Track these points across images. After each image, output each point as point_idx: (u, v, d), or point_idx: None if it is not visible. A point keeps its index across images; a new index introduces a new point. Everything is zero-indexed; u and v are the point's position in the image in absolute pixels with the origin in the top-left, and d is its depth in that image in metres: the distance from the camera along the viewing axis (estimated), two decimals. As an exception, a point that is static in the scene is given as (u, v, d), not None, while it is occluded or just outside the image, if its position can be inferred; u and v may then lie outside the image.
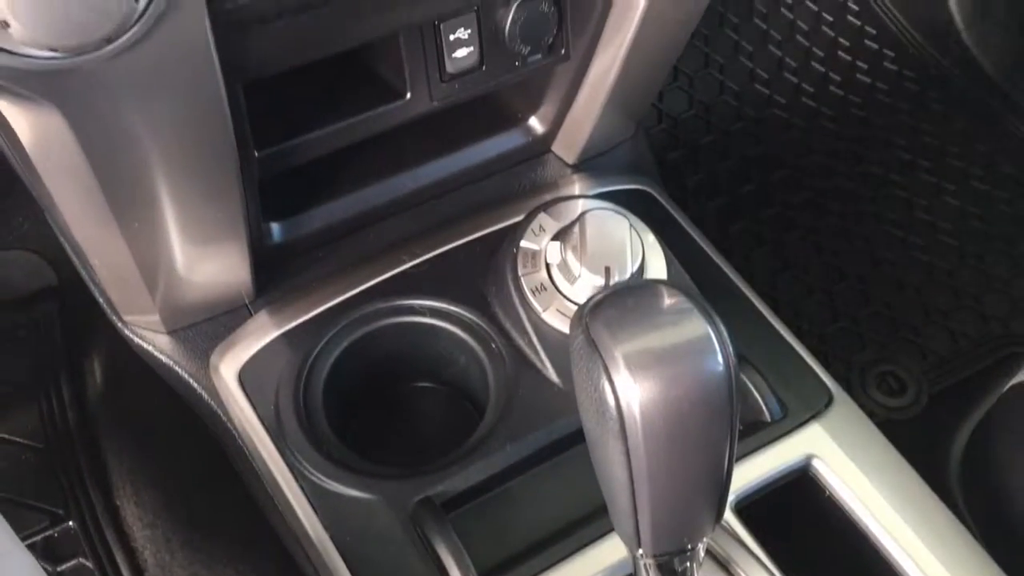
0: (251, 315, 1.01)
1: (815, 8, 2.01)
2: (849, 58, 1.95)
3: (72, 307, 1.53)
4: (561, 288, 0.94)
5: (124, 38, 0.58)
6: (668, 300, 0.62)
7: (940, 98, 1.90)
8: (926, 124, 1.86)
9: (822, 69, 1.94)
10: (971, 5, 1.94)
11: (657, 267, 0.98)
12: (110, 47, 0.57)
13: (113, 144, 0.71)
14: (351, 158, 1.02)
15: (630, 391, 0.58)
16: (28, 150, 0.71)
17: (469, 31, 0.92)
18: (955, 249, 1.65)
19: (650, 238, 1.00)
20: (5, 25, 0.52)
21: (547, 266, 0.96)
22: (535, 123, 1.14)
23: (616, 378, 0.58)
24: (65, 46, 0.55)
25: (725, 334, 0.61)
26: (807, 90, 1.92)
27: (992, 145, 1.81)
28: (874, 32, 1.98)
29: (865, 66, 1.95)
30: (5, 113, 0.67)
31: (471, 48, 0.94)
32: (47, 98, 0.64)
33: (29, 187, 0.98)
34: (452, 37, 0.92)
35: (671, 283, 0.64)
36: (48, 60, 0.58)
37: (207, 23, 0.66)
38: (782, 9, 2.00)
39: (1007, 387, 1.07)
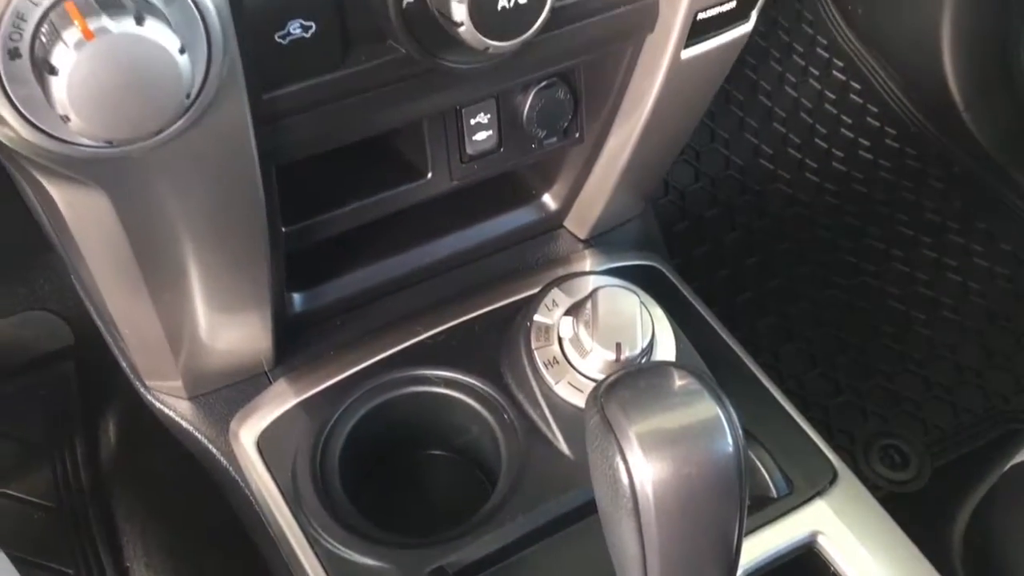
0: (270, 382, 1.04)
1: (818, 87, 2.07)
2: (851, 135, 2.01)
3: (88, 366, 1.55)
4: (573, 362, 0.97)
5: (172, 129, 0.62)
6: (679, 382, 0.65)
7: (941, 176, 1.95)
8: (927, 201, 1.90)
9: (825, 145, 1.99)
10: (970, 86, 2.00)
11: (666, 342, 1.01)
12: (159, 137, 0.61)
13: (152, 222, 0.75)
14: (370, 230, 1.06)
15: (643, 470, 0.60)
16: (71, 226, 0.75)
17: (489, 115, 0.97)
18: (957, 324, 1.68)
19: (659, 313, 1.03)
20: (66, 119, 0.56)
21: (560, 340, 0.98)
22: (549, 200, 1.18)
23: (630, 457, 0.61)
24: (118, 139, 0.59)
25: (734, 415, 0.64)
26: (810, 165, 1.97)
27: (992, 223, 1.85)
28: (876, 110, 2.04)
29: (867, 143, 2.01)
30: (52, 193, 0.71)
31: (490, 132, 0.98)
32: (95, 181, 0.68)
33: (62, 255, 1.02)
34: (473, 121, 0.96)
35: (681, 365, 0.67)
36: (100, 149, 0.62)
37: (248, 113, 0.70)
38: (786, 87, 2.06)
39: (1008, 466, 1.10)
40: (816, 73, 2.07)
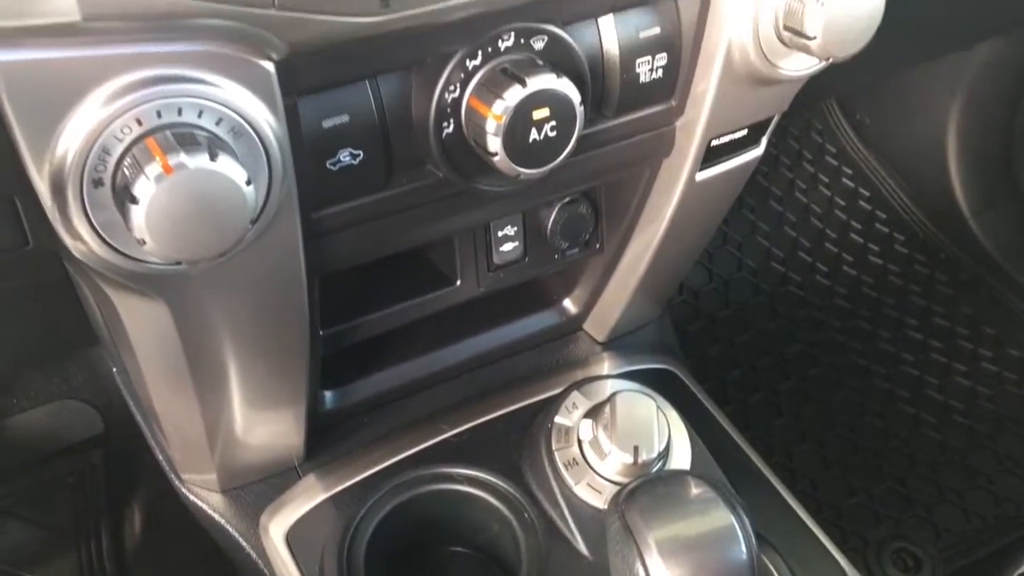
0: (300, 477, 1.08)
1: (828, 193, 2.14)
2: (861, 240, 2.07)
3: (117, 456, 1.59)
4: (592, 464, 1.01)
5: (234, 250, 0.68)
6: (695, 491, 0.69)
7: (949, 281, 2.00)
8: (937, 306, 1.95)
9: (835, 250, 2.05)
10: (976, 194, 2.07)
11: (682, 446, 1.05)
12: (222, 258, 0.67)
13: (206, 329, 0.81)
14: (398, 331, 1.11)
15: (662, 575, 0.64)
16: (129, 332, 0.81)
17: (515, 228, 1.03)
18: (966, 428, 1.71)
19: (675, 416, 1.07)
20: (142, 243, 0.62)
21: (579, 442, 1.03)
22: (569, 304, 1.23)
23: (649, 562, 0.65)
24: (187, 260, 0.65)
25: (747, 522, 0.68)
26: (821, 269, 2.03)
27: (1000, 328, 1.89)
28: (884, 216, 2.11)
29: (876, 248, 2.07)
30: (115, 301, 0.77)
31: (516, 243, 1.04)
32: (157, 294, 0.74)
33: (108, 351, 1.08)
34: (500, 233, 1.03)
35: (698, 474, 0.71)
36: (168, 267, 0.68)
37: (299, 231, 0.77)
38: (796, 193, 2.14)
39: (1017, 574, 1.12)
40: (826, 180, 2.14)
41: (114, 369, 1.23)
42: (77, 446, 1.61)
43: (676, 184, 1.00)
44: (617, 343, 1.27)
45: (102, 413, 1.63)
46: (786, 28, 0.83)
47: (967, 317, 1.91)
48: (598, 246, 1.11)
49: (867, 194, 2.14)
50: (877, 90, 2.07)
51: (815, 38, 0.80)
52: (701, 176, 1.00)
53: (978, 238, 2.05)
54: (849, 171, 2.17)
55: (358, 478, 1.07)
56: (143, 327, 0.80)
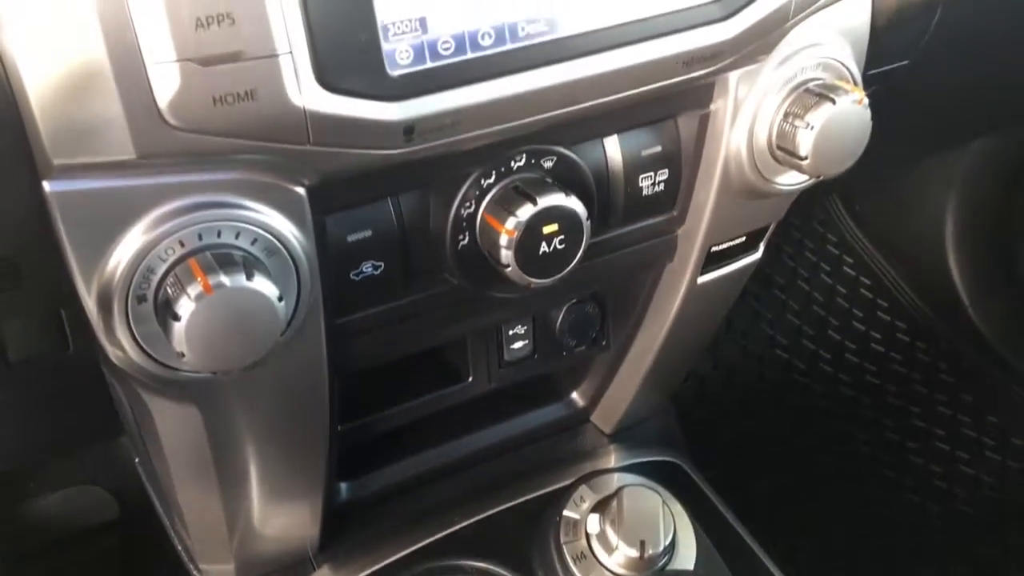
0: (315, 568, 1.11)
1: (829, 281, 2.19)
2: (863, 328, 2.11)
3: (131, 542, 1.62)
4: (600, 557, 1.04)
5: (264, 360, 0.73)
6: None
7: (950, 370, 2.03)
8: (939, 394, 1.98)
9: (838, 337, 2.09)
10: (975, 283, 2.11)
11: (687, 540, 1.08)
12: (253, 367, 0.72)
13: (233, 429, 0.85)
14: (412, 425, 1.15)
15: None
16: (160, 432, 0.85)
17: (525, 327, 1.08)
18: (971, 518, 1.72)
19: (679, 510, 1.10)
20: (181, 356, 0.67)
21: (587, 536, 1.06)
22: (577, 398, 1.28)
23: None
24: (221, 370, 0.70)
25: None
26: (825, 357, 2.07)
27: (1003, 417, 1.92)
28: (886, 304, 2.15)
29: (879, 335, 2.10)
30: (149, 403, 0.82)
31: (526, 341, 1.09)
32: (190, 399, 0.79)
33: (134, 443, 1.12)
34: (511, 332, 1.08)
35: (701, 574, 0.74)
36: (203, 376, 0.73)
37: (323, 337, 0.82)
38: (799, 281, 2.18)
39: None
40: (827, 268, 2.19)
41: (136, 459, 1.27)
42: (92, 531, 1.64)
43: (679, 287, 1.05)
44: (624, 435, 1.30)
45: (118, 499, 1.66)
46: (779, 148, 0.89)
47: (970, 405, 1.94)
48: (604, 343, 1.15)
49: (868, 282, 2.19)
50: (875, 181, 2.13)
51: (806, 158, 0.86)
52: (702, 279, 1.05)
53: (978, 327, 2.08)
54: (850, 260, 2.21)
55: (371, 570, 1.10)
56: (174, 427, 0.85)
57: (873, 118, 0.89)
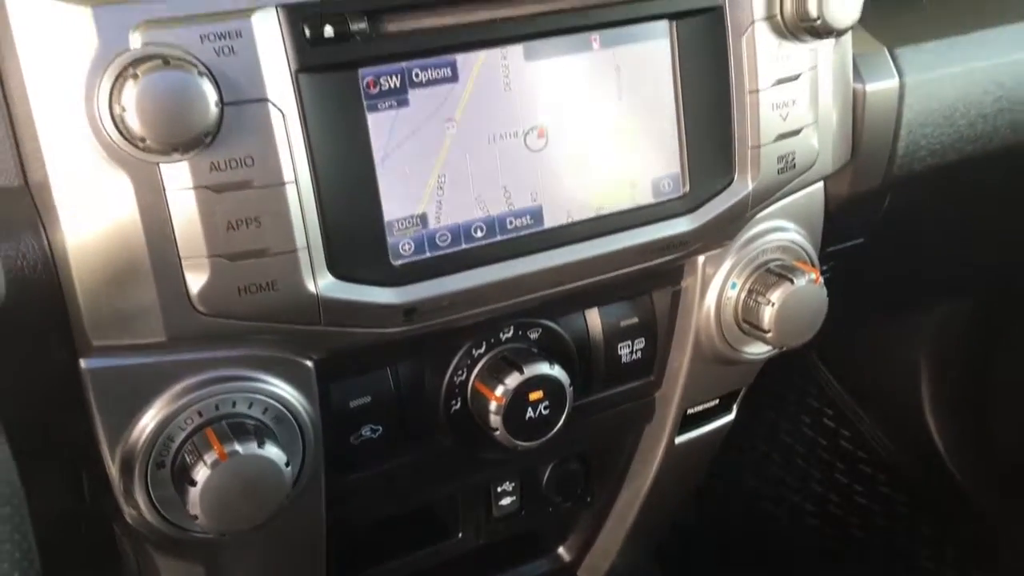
0: None
1: (811, 433, 2.24)
2: (845, 480, 2.15)
3: None
4: None
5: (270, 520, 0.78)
6: None
7: (932, 521, 2.06)
8: (923, 548, 2.00)
9: (820, 489, 2.13)
10: (952, 436, 2.16)
11: None
12: (260, 528, 0.77)
13: (233, 585, 0.90)
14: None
15: None
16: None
17: (513, 484, 1.14)
18: None
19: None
20: (195, 518, 0.73)
21: None
22: (563, 552, 1.31)
23: None
24: (230, 532, 0.75)
25: None
26: (808, 508, 2.10)
27: (986, 570, 1.94)
28: (866, 456, 2.19)
29: (860, 488, 2.14)
30: (157, 561, 0.87)
31: (514, 498, 1.14)
32: (198, 557, 0.84)
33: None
34: (499, 490, 1.13)
35: None
36: (210, 536, 0.78)
37: (322, 497, 0.87)
38: (781, 434, 2.24)
39: None
40: (808, 421, 2.25)
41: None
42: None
43: (658, 446, 1.12)
44: (609, 588, 1.33)
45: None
46: (744, 321, 0.97)
47: (953, 560, 1.96)
48: (589, 500, 1.20)
49: (848, 434, 2.24)
50: (850, 338, 2.22)
51: (769, 331, 0.95)
52: (680, 439, 1.12)
53: (957, 480, 2.13)
54: (830, 411, 2.27)
55: None
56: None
57: (836, 287, 0.98)
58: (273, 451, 0.74)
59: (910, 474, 2.15)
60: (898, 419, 2.20)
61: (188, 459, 0.74)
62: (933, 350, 2.13)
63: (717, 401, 1.11)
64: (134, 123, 0.62)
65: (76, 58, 0.65)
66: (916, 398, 2.16)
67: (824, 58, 0.92)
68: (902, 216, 1.21)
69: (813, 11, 0.84)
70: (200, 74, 0.63)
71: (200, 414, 0.75)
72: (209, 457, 0.72)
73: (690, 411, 1.09)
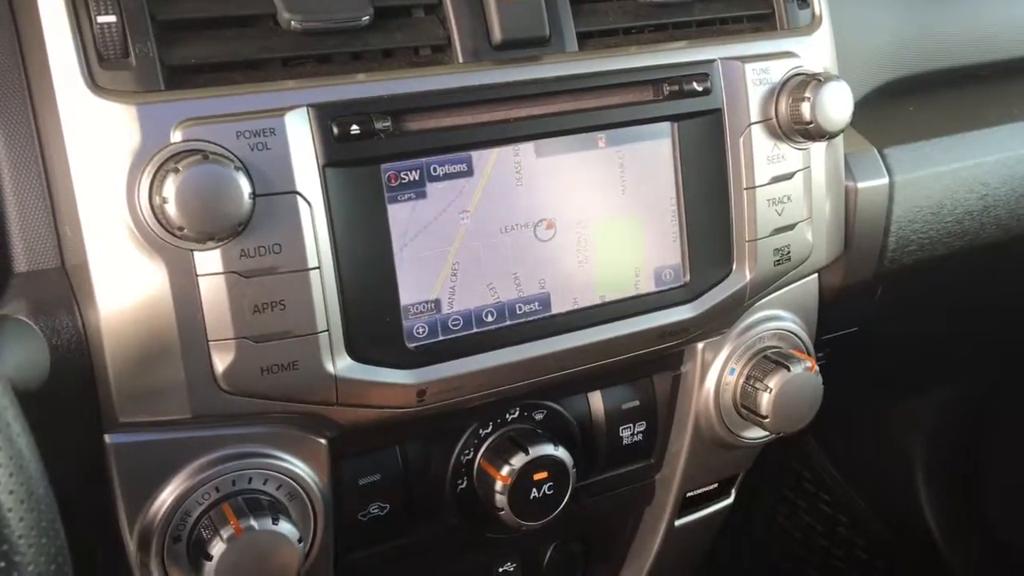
0: None
1: (808, 519, 2.24)
2: (843, 566, 2.15)
3: None
4: None
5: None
6: None
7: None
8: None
9: (817, 577, 2.12)
10: (947, 522, 2.16)
11: None
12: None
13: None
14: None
15: None
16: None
17: (515, 565, 1.15)
18: None
19: None
20: (209, 589, 0.75)
21: None
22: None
23: None
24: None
25: None
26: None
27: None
28: (863, 543, 2.19)
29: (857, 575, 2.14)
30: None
31: (517, 582, 1.16)
32: None
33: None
34: (501, 570, 1.14)
35: None
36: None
37: (331, 573, 0.89)
38: (779, 519, 2.24)
39: None
40: (804, 506, 2.25)
41: None
42: None
43: (658, 528, 1.14)
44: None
45: None
46: (743, 406, 1.01)
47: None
48: (588, 581, 1.22)
49: (845, 520, 2.24)
50: (846, 424, 2.24)
51: (767, 417, 0.98)
52: (680, 522, 1.13)
53: (952, 566, 2.13)
54: (827, 497, 2.28)
55: None
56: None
57: (832, 373, 1.01)
58: (286, 527, 0.77)
59: (907, 562, 2.15)
60: (894, 504, 2.20)
61: (204, 533, 0.76)
62: (928, 435, 2.15)
63: (716, 485, 1.13)
64: (173, 213, 0.67)
65: (120, 151, 0.69)
66: (912, 483, 2.17)
67: (817, 158, 0.97)
68: (894, 307, 1.25)
69: (806, 115, 0.89)
70: (236, 168, 0.68)
71: (217, 489, 0.78)
72: (225, 532, 0.74)
73: (689, 494, 1.11)
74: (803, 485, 2.29)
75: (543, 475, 0.93)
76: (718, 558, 2.13)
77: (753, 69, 0.90)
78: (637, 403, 1.04)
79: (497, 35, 0.83)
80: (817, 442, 2.33)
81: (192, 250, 0.70)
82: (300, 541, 0.78)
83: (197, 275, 0.71)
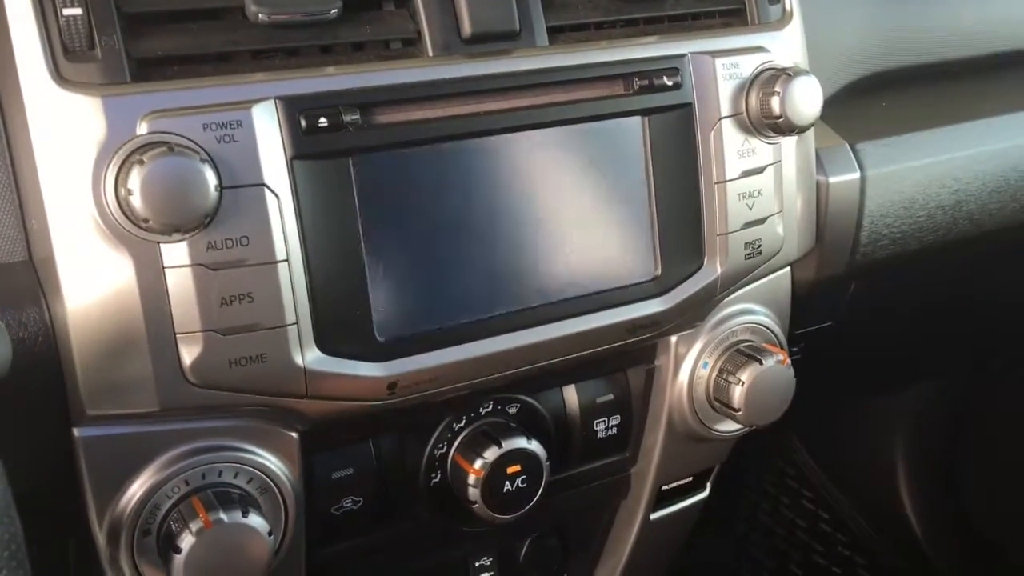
0: None
1: (790, 515, 2.25)
2: (824, 562, 2.15)
3: None
4: None
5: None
6: None
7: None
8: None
9: (800, 572, 2.13)
10: (927, 520, 2.17)
11: None
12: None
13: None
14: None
15: None
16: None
17: (491, 559, 1.15)
18: None
19: None
20: (179, 584, 0.75)
21: None
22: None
23: None
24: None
25: None
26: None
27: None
28: (845, 539, 2.20)
29: (839, 571, 2.14)
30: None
31: (491, 573, 1.15)
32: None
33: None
34: (477, 564, 1.14)
35: None
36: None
37: (303, 569, 0.89)
38: (760, 516, 2.25)
39: None
40: (786, 502, 2.26)
41: None
42: None
43: (633, 522, 1.14)
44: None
45: None
46: (716, 399, 1.01)
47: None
48: (566, 575, 1.22)
49: (827, 516, 2.25)
50: (827, 420, 2.25)
51: (740, 410, 0.98)
52: (655, 516, 1.14)
53: (933, 563, 2.14)
54: (809, 494, 2.29)
55: None
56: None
57: (807, 368, 1.01)
58: (257, 520, 0.77)
59: (888, 558, 2.16)
60: (875, 500, 2.22)
61: (174, 527, 0.76)
62: (909, 432, 2.17)
63: (691, 478, 1.14)
64: (139, 205, 0.67)
65: (86, 143, 0.69)
66: (893, 480, 2.19)
67: (788, 152, 0.98)
68: (867, 301, 1.26)
69: (776, 109, 0.90)
70: (202, 160, 0.68)
71: (187, 483, 0.78)
72: (195, 525, 0.74)
73: (665, 487, 1.12)
74: (785, 481, 2.30)
75: (516, 468, 0.93)
76: (699, 553, 2.13)
77: (723, 64, 0.91)
78: (611, 397, 1.04)
79: (467, 29, 0.83)
80: (799, 438, 2.34)
81: (159, 242, 0.70)
82: (270, 534, 0.78)
83: (164, 267, 0.71)
